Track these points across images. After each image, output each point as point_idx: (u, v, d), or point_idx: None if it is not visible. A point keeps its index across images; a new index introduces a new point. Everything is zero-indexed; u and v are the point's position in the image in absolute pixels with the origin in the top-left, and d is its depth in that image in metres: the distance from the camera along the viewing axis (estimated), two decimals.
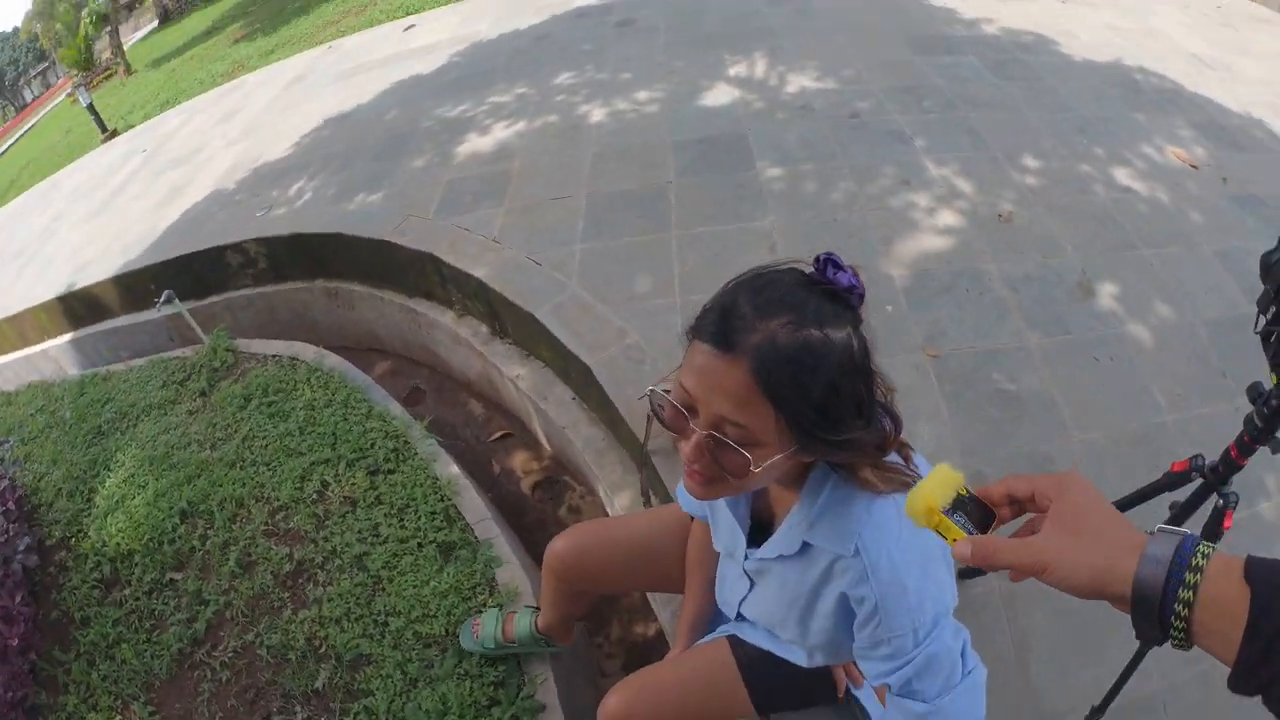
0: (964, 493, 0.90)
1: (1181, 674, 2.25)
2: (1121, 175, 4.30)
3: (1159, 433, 2.90)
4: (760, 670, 1.76)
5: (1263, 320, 1.61)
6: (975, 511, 0.89)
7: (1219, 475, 1.80)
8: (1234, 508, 1.79)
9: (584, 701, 2.69)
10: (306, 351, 4.22)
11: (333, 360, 4.11)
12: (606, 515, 3.42)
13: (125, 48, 18.29)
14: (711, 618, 1.95)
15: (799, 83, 5.42)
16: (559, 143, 4.98)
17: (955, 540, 0.85)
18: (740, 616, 1.77)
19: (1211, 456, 1.84)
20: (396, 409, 3.75)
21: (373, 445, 3.47)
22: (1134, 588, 0.74)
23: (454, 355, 4.31)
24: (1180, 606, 0.72)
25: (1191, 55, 6.09)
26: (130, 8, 19.81)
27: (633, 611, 3.13)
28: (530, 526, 3.54)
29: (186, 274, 4.87)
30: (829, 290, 1.17)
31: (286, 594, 2.91)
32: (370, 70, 7.40)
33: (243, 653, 2.75)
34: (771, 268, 1.22)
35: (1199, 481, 1.85)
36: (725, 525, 1.59)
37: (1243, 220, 3.97)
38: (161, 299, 4.21)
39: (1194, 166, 4.46)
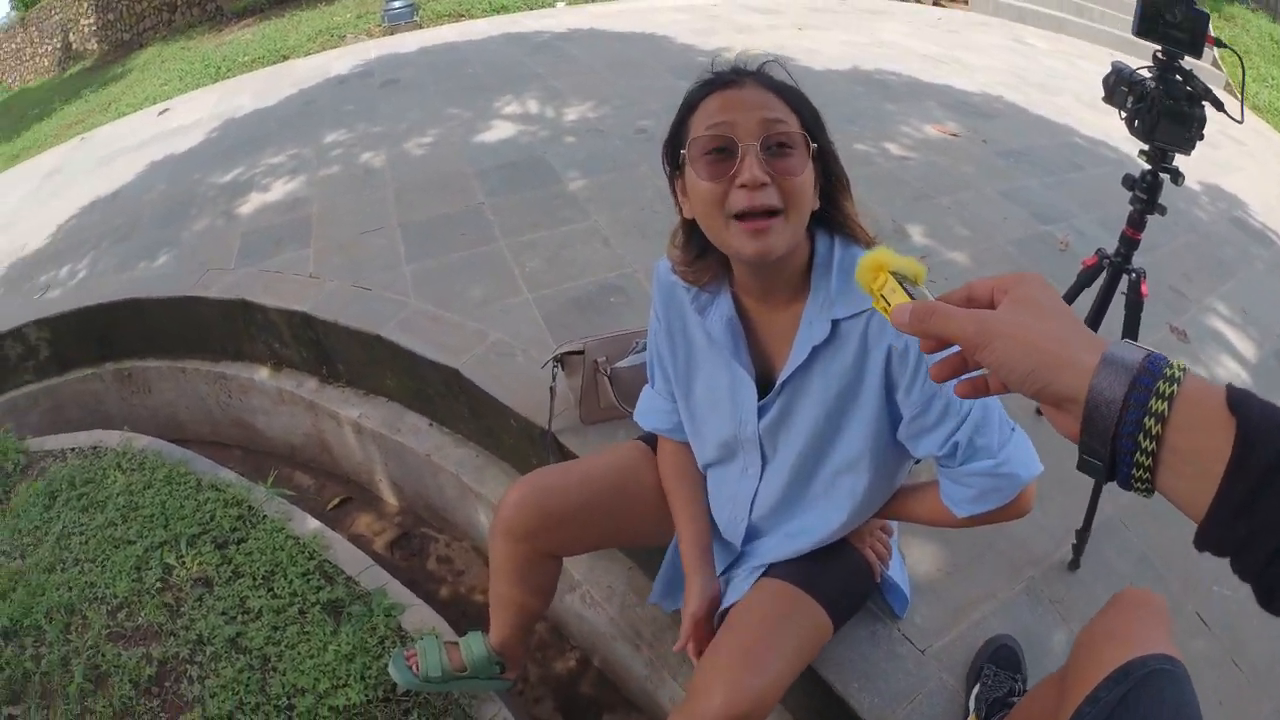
0: (921, 285, 0.73)
1: (1124, 495, 2.09)
2: (895, 149, 4.40)
3: None
4: (817, 581, 1.50)
5: (1123, 114, 1.75)
6: None
7: (1123, 256, 1.89)
8: (1145, 277, 1.87)
9: None
10: (110, 437, 3.35)
11: (143, 441, 3.27)
12: (480, 559, 2.88)
13: None
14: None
15: (579, 111, 5.14)
16: (353, 187, 4.33)
17: (896, 306, 0.69)
18: (748, 535, 1.58)
19: None
20: (230, 475, 2.99)
21: (213, 517, 2.72)
22: (1091, 388, 0.54)
23: (274, 422, 3.54)
24: (1151, 421, 0.52)
25: (924, 56, 6.57)
26: None
27: (546, 647, 2.57)
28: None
29: None
30: None
31: (156, 702, 2.15)
32: (130, 153, 6.34)
33: None
34: None
35: (1106, 271, 1.93)
36: (724, 395, 1.44)
37: (1012, 167, 4.25)
38: None
39: (955, 135, 4.71)
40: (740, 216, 1.17)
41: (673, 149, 1.27)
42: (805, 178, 1.18)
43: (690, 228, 1.31)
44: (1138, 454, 0.53)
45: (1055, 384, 0.57)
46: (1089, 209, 3.85)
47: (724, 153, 1.16)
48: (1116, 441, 0.54)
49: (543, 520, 1.62)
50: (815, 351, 1.30)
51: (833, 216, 1.29)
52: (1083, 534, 1.96)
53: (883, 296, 0.72)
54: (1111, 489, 1.93)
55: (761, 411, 1.40)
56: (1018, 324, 0.59)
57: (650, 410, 1.64)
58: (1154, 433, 0.52)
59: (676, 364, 1.51)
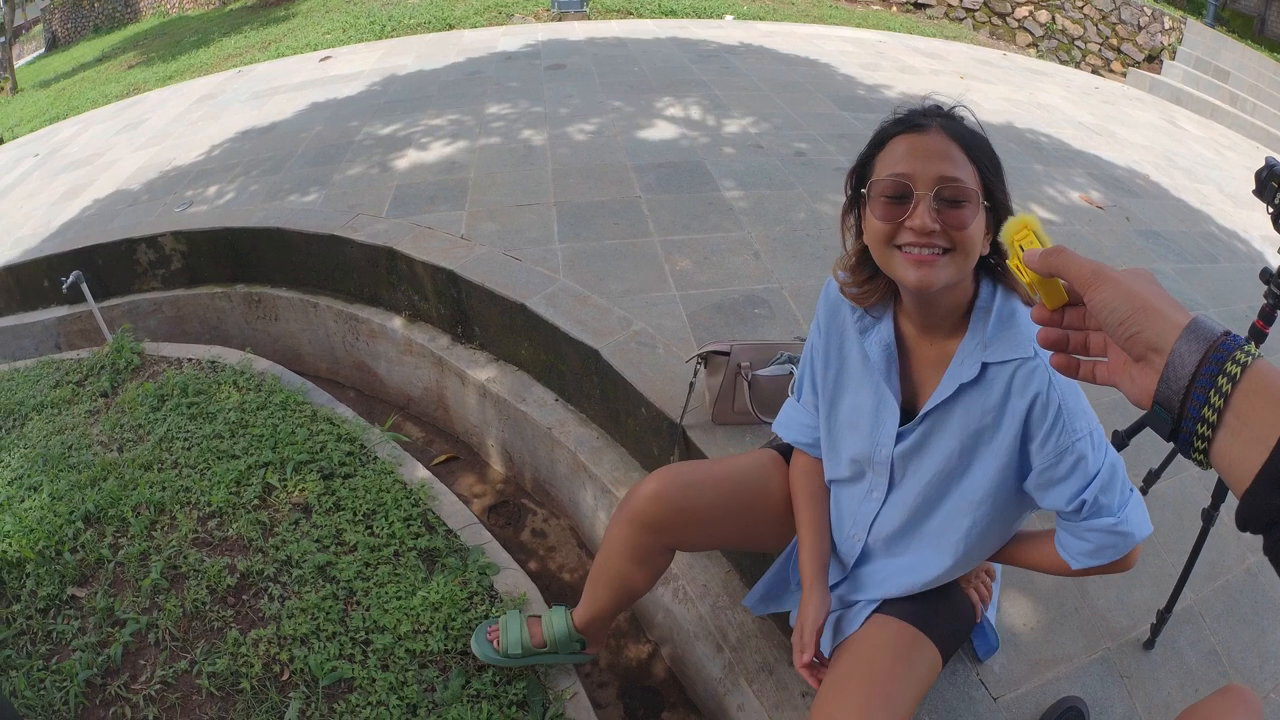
0: None
1: (1205, 588, 2.27)
2: (1041, 212, 4.51)
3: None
4: (932, 621, 1.60)
5: (1269, 210, 1.84)
6: None
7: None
8: None
9: None
10: (229, 355, 3.57)
11: (263, 364, 3.48)
12: (575, 539, 3.01)
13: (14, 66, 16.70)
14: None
15: (739, 125, 5.29)
16: (512, 159, 4.56)
17: (1029, 249, 0.80)
18: (862, 558, 1.68)
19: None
20: (346, 411, 3.17)
21: (323, 448, 2.90)
22: (1178, 340, 0.64)
23: (396, 370, 3.73)
24: (1224, 380, 0.60)
25: (1078, 123, 6.66)
26: (16, 33, 18.39)
27: (621, 635, 2.66)
28: None
29: (88, 270, 4.01)
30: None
31: (230, 611, 2.29)
32: (288, 92, 6.75)
33: (175, 684, 2.10)
34: None
35: None
36: (867, 416, 1.55)
37: (1150, 248, 4.34)
38: (69, 279, 3.50)
39: (1100, 208, 4.80)
40: (905, 248, 1.30)
41: (858, 179, 1.39)
42: (974, 228, 1.28)
43: (864, 252, 1.43)
44: (1205, 409, 0.61)
45: (1146, 331, 0.66)
46: (1217, 302, 3.87)
47: (900, 195, 1.29)
48: (1189, 394, 0.62)
49: (676, 515, 1.73)
50: (962, 389, 1.40)
51: (997, 265, 1.39)
52: (1163, 616, 2.06)
53: (1020, 247, 0.83)
54: (1199, 576, 2.08)
55: (901, 437, 1.50)
56: (1127, 279, 0.69)
57: (791, 423, 1.75)
58: (1225, 390, 0.60)
59: (828, 379, 1.62)
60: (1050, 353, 1.31)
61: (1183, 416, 0.63)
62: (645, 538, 1.77)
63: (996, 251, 1.37)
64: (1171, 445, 1.52)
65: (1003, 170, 1.35)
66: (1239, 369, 0.60)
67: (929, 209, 1.26)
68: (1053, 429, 1.34)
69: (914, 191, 1.27)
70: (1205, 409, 0.61)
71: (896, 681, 1.47)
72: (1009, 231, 0.84)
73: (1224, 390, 0.60)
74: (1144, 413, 0.69)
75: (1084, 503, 1.36)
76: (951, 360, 1.41)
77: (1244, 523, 0.59)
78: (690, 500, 1.73)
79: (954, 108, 1.39)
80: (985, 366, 1.37)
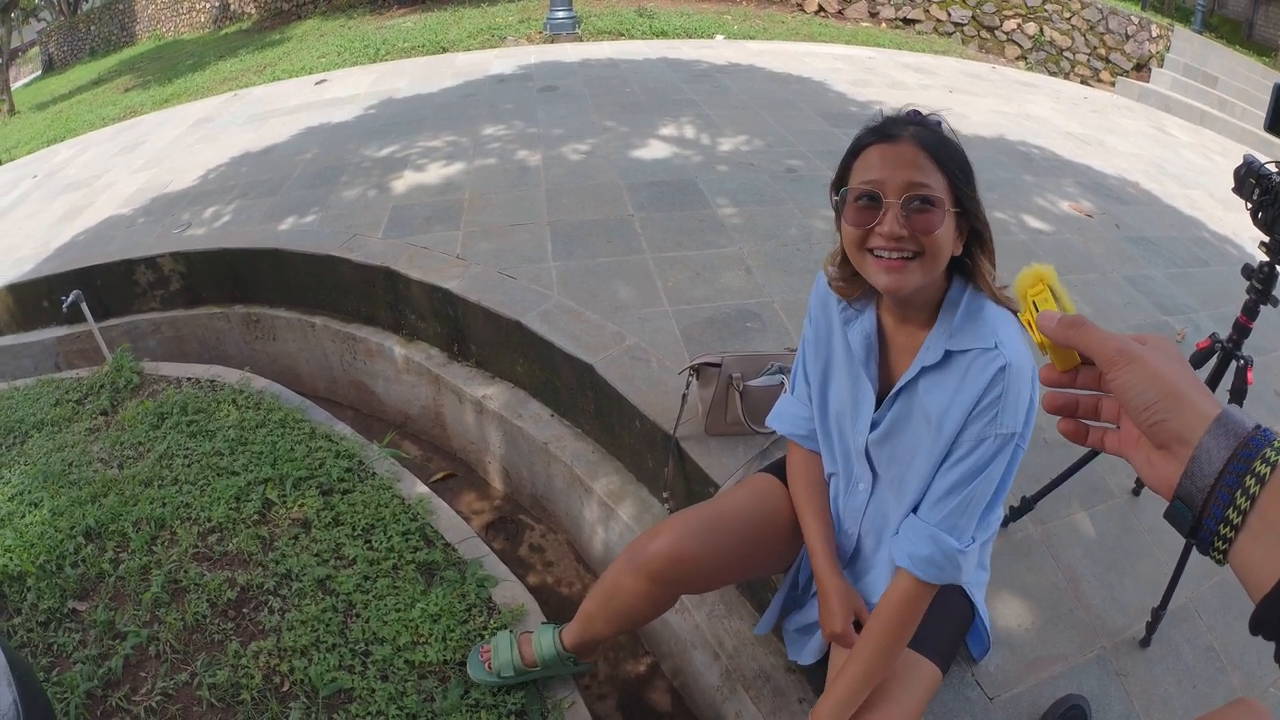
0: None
1: (1200, 585, 2.28)
2: (1031, 222, 4.58)
3: None
4: (926, 637, 1.61)
5: (1248, 205, 1.93)
6: None
7: (1234, 342, 2.08)
8: (1251, 365, 2.05)
9: None
10: (228, 374, 3.61)
11: (261, 382, 3.53)
12: (572, 553, 3.05)
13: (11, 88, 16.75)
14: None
15: (731, 143, 5.37)
16: (507, 180, 4.64)
17: (1045, 311, 0.75)
18: (854, 555, 1.73)
19: None
20: (344, 429, 3.21)
21: (322, 465, 2.93)
22: (1206, 434, 0.60)
23: (393, 389, 3.78)
24: (1252, 481, 0.57)
25: (1067, 134, 6.75)
26: (12, 55, 18.48)
27: (619, 647, 2.69)
28: None
29: (87, 290, 4.08)
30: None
31: (230, 624, 2.32)
32: (284, 115, 6.84)
33: (176, 695, 2.12)
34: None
35: (1217, 355, 2.12)
36: (849, 405, 1.61)
37: (1140, 254, 4.41)
38: (69, 299, 3.55)
39: (1089, 216, 4.89)
40: (876, 253, 1.37)
41: (837, 185, 1.46)
42: (941, 233, 1.35)
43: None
44: (1229, 509, 0.57)
45: (1173, 420, 0.62)
46: (1208, 304, 3.94)
47: (871, 202, 1.36)
48: (1214, 493, 0.59)
49: (692, 571, 1.74)
50: (924, 371, 1.48)
51: (969, 267, 1.45)
52: (1158, 613, 2.09)
53: (1033, 303, 0.79)
54: (1193, 574, 2.09)
55: (874, 425, 1.57)
56: (1154, 358, 0.65)
57: (786, 415, 1.79)
58: (1252, 492, 0.57)
59: (817, 370, 1.68)
60: (1017, 350, 1.41)
61: (1204, 515, 0.60)
62: (659, 590, 1.77)
63: (968, 252, 1.43)
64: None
65: (974, 177, 1.40)
66: (1268, 469, 0.56)
67: (897, 216, 1.33)
68: (986, 412, 1.41)
69: (884, 199, 1.34)
70: (1230, 510, 0.58)
71: (893, 707, 1.52)
72: (1022, 284, 0.81)
73: (1251, 491, 0.57)
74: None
75: (954, 500, 1.45)
76: (921, 347, 1.48)
77: (1257, 628, 0.57)
78: (706, 552, 1.73)
79: (928, 117, 1.44)
80: (949, 354, 1.44)
